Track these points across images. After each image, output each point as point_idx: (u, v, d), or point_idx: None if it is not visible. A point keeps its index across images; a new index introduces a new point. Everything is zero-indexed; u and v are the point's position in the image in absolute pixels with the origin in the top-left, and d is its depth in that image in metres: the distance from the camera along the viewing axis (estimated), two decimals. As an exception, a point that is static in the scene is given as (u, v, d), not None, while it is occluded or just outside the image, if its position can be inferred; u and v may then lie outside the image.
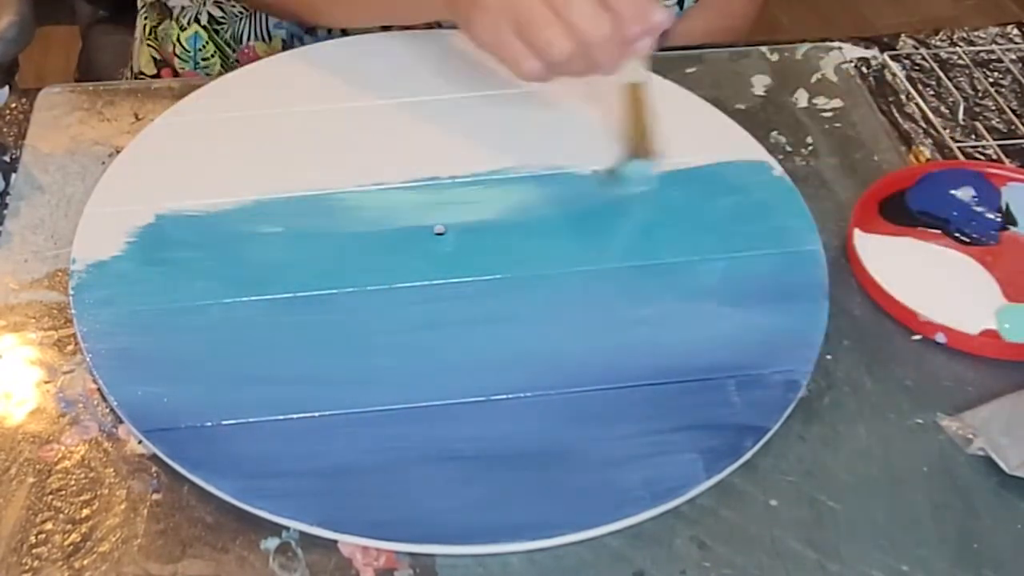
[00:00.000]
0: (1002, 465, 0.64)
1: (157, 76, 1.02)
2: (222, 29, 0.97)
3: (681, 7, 1.00)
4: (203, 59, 0.99)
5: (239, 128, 0.82)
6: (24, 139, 0.82)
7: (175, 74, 1.01)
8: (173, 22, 1.00)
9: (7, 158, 0.81)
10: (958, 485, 0.65)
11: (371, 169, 0.79)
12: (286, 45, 0.97)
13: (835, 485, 0.64)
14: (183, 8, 0.99)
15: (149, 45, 1.03)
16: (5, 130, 0.83)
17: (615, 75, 0.75)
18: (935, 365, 0.71)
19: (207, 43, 0.98)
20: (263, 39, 0.97)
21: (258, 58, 0.98)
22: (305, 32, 0.96)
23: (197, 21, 0.98)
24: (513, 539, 0.61)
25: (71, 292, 0.71)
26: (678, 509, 0.63)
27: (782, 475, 0.65)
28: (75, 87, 0.87)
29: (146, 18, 1.04)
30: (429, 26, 0.91)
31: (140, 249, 0.74)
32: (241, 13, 0.97)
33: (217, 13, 0.97)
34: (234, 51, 0.98)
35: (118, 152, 0.81)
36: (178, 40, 0.99)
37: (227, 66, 0.99)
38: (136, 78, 1.04)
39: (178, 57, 1.00)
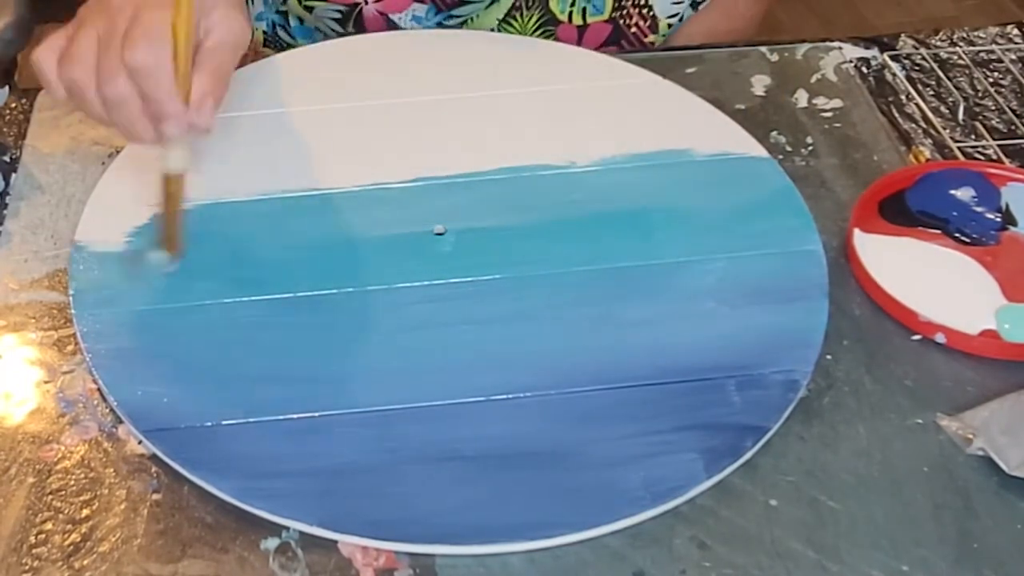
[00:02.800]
0: (1002, 465, 0.64)
1: None
2: None
3: (695, 8, 1.00)
4: None
5: (238, 128, 0.82)
6: (24, 139, 0.82)
7: None
8: None
9: (7, 158, 0.81)
10: (958, 485, 0.65)
11: (371, 169, 0.79)
12: (267, 36, 0.98)
13: (835, 485, 0.64)
14: None
15: None
16: (5, 130, 0.83)
17: (158, 155, 0.70)
18: (935, 365, 0.71)
19: None
20: None
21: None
22: (283, 22, 0.96)
23: None
24: (513, 539, 0.61)
25: (71, 292, 0.71)
26: (678, 509, 0.63)
27: (782, 475, 0.65)
28: (75, 87, 0.87)
29: None
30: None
31: (140, 249, 0.74)
32: None
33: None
34: None
35: (118, 152, 0.81)
36: None
37: None
38: None
39: None
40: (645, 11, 0.98)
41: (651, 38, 0.99)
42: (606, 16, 0.97)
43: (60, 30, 0.69)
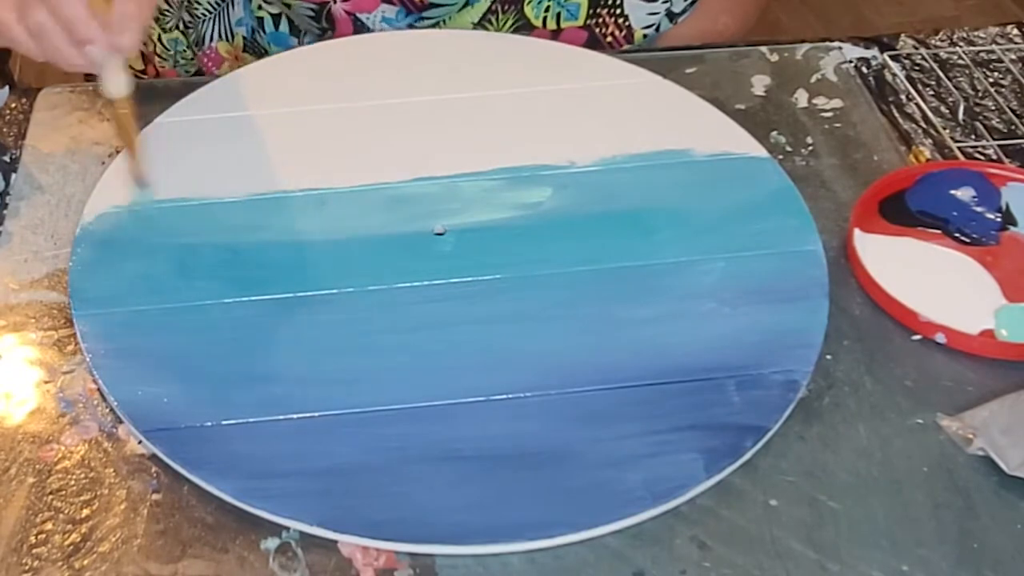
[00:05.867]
0: (1002, 465, 0.64)
1: (143, 71, 1.03)
2: (189, 33, 0.98)
3: (672, 20, 1.00)
4: (183, 59, 1.00)
5: (239, 128, 0.82)
6: (24, 139, 0.82)
7: (157, 70, 1.02)
8: (155, 23, 1.00)
9: (7, 158, 0.81)
10: (958, 485, 0.65)
11: (371, 169, 0.79)
12: (247, 41, 0.98)
13: (835, 485, 0.64)
14: (163, 12, 0.99)
15: None
16: (5, 130, 0.83)
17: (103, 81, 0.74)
18: (935, 365, 0.71)
19: (187, 48, 0.99)
20: (226, 38, 0.97)
21: (220, 58, 0.99)
22: (258, 27, 0.97)
23: (177, 27, 0.98)
24: (513, 539, 0.61)
25: (71, 292, 0.71)
26: (678, 509, 0.63)
27: (782, 475, 0.65)
28: (75, 87, 0.87)
29: None
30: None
31: (140, 249, 0.74)
32: (206, 14, 0.97)
33: (187, 17, 0.98)
34: (197, 54, 0.99)
35: (118, 152, 0.81)
36: (159, 40, 1.00)
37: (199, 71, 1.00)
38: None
39: (159, 56, 1.00)
40: (620, 20, 0.98)
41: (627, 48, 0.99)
42: (581, 22, 0.97)
43: None
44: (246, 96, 0.85)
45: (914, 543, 0.62)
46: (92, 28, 0.71)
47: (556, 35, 0.97)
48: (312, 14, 0.94)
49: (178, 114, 0.83)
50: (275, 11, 0.96)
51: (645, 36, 0.99)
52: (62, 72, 0.77)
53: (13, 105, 0.85)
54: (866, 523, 0.63)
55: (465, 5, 0.93)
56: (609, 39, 0.98)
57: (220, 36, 0.98)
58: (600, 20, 0.97)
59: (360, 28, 0.94)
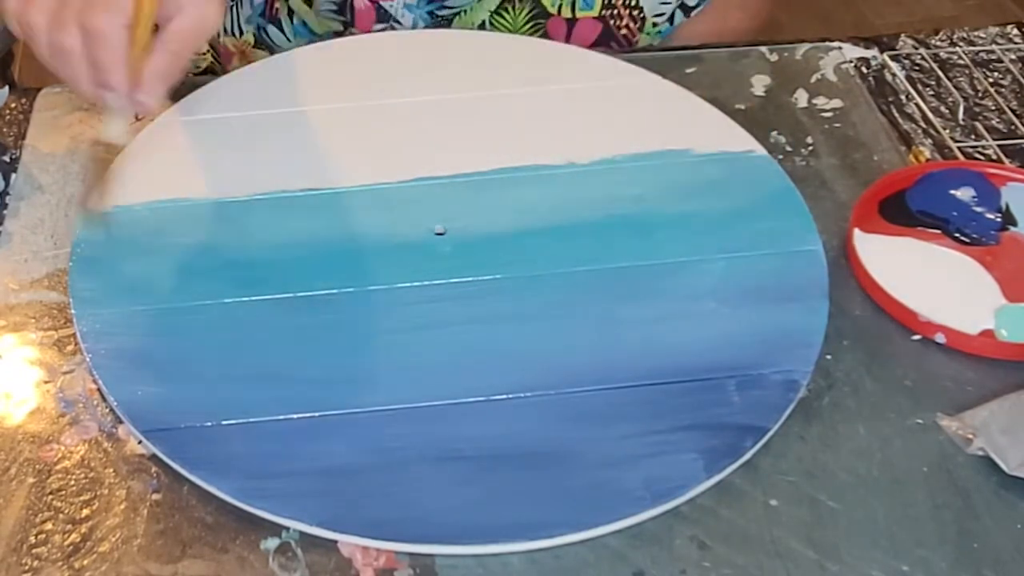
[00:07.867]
0: (1002, 465, 0.65)
1: None
2: None
3: (672, 23, 1.00)
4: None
5: (239, 128, 0.82)
6: (24, 139, 0.82)
7: None
8: None
9: (7, 158, 0.81)
10: (958, 485, 0.65)
11: (371, 169, 0.79)
12: (257, 38, 0.98)
13: (835, 485, 0.64)
14: None
15: None
16: (5, 130, 0.83)
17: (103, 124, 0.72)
18: (935, 365, 0.71)
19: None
20: (233, 34, 0.97)
21: (229, 53, 0.98)
22: (269, 22, 0.97)
23: None
24: (513, 539, 0.61)
25: (71, 292, 0.71)
26: (678, 509, 0.63)
27: (782, 475, 0.65)
28: (75, 87, 0.87)
29: None
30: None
31: (140, 249, 0.74)
32: None
33: None
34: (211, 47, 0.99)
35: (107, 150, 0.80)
36: None
37: (215, 60, 1.00)
38: None
39: None
40: (635, 12, 0.98)
41: (639, 38, 0.99)
42: (596, 13, 0.97)
43: None
44: (247, 96, 0.85)
45: (914, 543, 0.62)
46: (120, 79, 0.66)
47: (571, 24, 0.97)
48: (335, 7, 0.94)
49: (178, 114, 0.83)
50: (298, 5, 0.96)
51: (655, 25, 0.99)
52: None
53: (13, 105, 0.85)
54: (866, 523, 0.63)
55: None
56: (624, 31, 0.98)
57: (227, 31, 0.97)
58: (615, 12, 0.97)
59: (382, 17, 0.94)
